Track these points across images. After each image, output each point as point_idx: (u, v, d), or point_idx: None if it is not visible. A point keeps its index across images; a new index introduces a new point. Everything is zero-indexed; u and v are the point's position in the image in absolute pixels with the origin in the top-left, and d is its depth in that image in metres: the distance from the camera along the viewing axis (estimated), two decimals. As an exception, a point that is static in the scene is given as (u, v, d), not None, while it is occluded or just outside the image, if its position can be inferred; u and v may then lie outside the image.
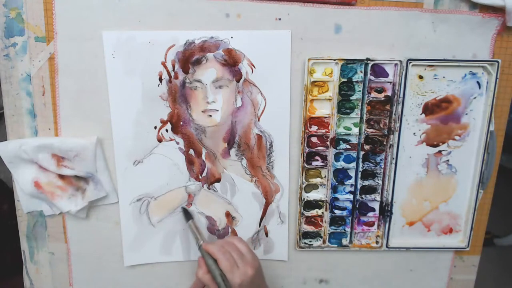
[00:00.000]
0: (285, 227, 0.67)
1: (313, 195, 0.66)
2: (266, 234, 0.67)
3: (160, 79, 0.60)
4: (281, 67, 0.60)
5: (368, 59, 0.60)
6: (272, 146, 0.63)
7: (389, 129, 0.63)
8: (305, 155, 0.63)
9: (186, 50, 0.59)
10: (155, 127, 0.62)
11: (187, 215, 0.64)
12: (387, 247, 0.67)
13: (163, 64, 0.59)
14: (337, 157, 0.64)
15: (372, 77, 0.61)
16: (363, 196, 0.66)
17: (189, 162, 0.63)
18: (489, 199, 0.68)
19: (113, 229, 0.66)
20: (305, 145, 0.63)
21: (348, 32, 0.60)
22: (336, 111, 0.62)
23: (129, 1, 0.57)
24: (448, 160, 0.65)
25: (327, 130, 0.63)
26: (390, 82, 0.61)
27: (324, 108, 0.62)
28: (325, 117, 0.62)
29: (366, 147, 0.63)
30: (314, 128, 0.63)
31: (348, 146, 0.63)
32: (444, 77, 0.62)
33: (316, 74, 0.61)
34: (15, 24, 0.57)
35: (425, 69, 0.61)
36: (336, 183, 0.65)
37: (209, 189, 0.65)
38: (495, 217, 0.77)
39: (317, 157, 0.64)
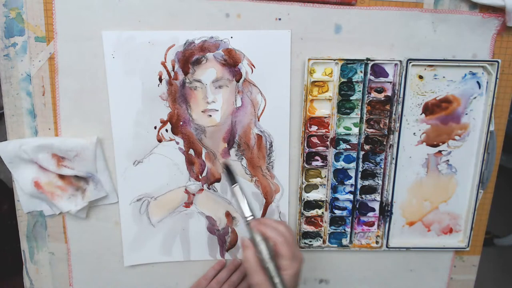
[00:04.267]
0: (285, 227, 0.67)
1: (313, 195, 0.66)
2: (266, 234, 0.67)
3: (160, 79, 0.60)
4: (281, 67, 0.60)
5: (368, 59, 0.60)
6: (272, 146, 0.63)
7: (389, 129, 0.63)
8: (305, 155, 0.63)
9: (186, 50, 0.59)
10: (155, 127, 0.62)
11: (231, 177, 0.59)
12: (387, 247, 0.67)
13: (163, 64, 0.59)
14: (337, 157, 0.64)
15: (372, 77, 0.61)
16: (363, 196, 0.66)
17: (189, 162, 0.63)
18: (489, 199, 0.68)
19: (113, 229, 0.66)
20: (305, 145, 0.63)
21: (348, 32, 0.60)
22: (336, 111, 0.62)
23: (129, 1, 0.57)
24: (448, 160, 0.65)
25: (327, 130, 0.63)
26: (390, 82, 0.61)
27: (324, 108, 0.62)
28: (325, 117, 0.62)
29: (366, 147, 0.63)
30: (314, 128, 0.63)
31: (348, 146, 0.63)
32: (444, 77, 0.62)
33: (316, 74, 0.61)
34: (15, 24, 0.57)
35: (425, 69, 0.61)
36: (336, 183, 0.65)
37: (209, 189, 0.65)
38: (495, 217, 0.77)
39: (317, 157, 0.64)
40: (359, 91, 0.61)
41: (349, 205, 0.66)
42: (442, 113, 0.63)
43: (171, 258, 0.67)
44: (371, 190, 0.66)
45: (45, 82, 0.60)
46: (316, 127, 0.63)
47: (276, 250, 0.51)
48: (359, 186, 0.65)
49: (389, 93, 0.62)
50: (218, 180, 0.64)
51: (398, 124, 0.62)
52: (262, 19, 0.58)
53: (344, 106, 0.62)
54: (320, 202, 0.66)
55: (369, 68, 0.60)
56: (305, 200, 0.65)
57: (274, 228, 0.53)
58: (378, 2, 0.59)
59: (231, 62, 0.60)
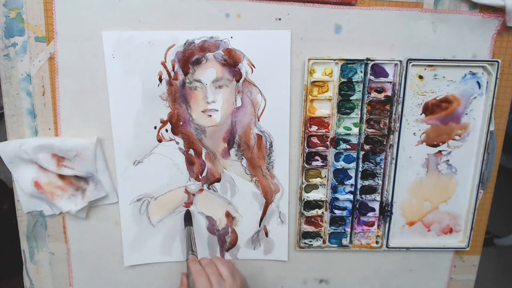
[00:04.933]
0: (285, 227, 0.67)
1: (313, 195, 0.66)
2: (266, 234, 0.67)
3: (160, 79, 0.60)
4: (281, 67, 0.60)
5: (368, 59, 0.60)
6: (272, 146, 0.63)
7: (389, 129, 0.63)
8: (305, 155, 0.63)
9: (186, 50, 0.59)
10: (155, 127, 0.62)
11: (188, 220, 0.64)
12: (387, 247, 0.67)
13: (163, 64, 0.59)
14: (337, 157, 0.64)
15: (372, 77, 0.61)
16: (363, 196, 0.66)
17: (189, 162, 0.63)
18: (489, 199, 0.68)
19: (113, 229, 0.66)
20: (305, 145, 0.63)
21: (348, 32, 0.60)
22: (336, 111, 0.62)
23: (129, 1, 0.57)
24: (448, 160, 0.65)
25: (327, 130, 0.63)
26: (390, 82, 0.61)
27: (324, 108, 0.62)
28: (325, 117, 0.62)
29: (366, 147, 0.63)
30: (314, 128, 0.63)
31: (348, 146, 0.63)
32: (444, 77, 0.62)
33: (316, 74, 0.61)
34: (15, 24, 0.57)
35: (425, 69, 0.61)
36: (336, 183, 0.65)
37: (209, 189, 0.65)
38: (495, 217, 0.77)
39: (317, 157, 0.64)
40: (359, 91, 0.61)
41: (349, 205, 0.66)
42: (442, 113, 0.63)
43: (171, 258, 0.67)
44: (371, 190, 0.66)
45: (45, 82, 0.60)
46: (316, 127, 0.63)
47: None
48: (359, 186, 0.65)
49: (389, 93, 0.62)
50: (218, 180, 0.64)
51: (398, 124, 0.62)
52: (262, 19, 0.58)
53: (344, 106, 0.62)
54: (320, 202, 0.66)
55: (369, 68, 0.60)
56: (305, 200, 0.65)
57: (197, 267, 0.56)
58: (378, 2, 0.59)
59: (231, 62, 0.60)
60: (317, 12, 0.59)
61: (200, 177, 0.64)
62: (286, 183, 0.65)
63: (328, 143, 0.63)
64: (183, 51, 0.59)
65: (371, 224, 0.67)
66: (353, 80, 0.61)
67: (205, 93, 0.60)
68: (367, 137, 0.63)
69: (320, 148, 0.63)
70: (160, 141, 0.62)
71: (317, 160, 0.64)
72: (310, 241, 0.68)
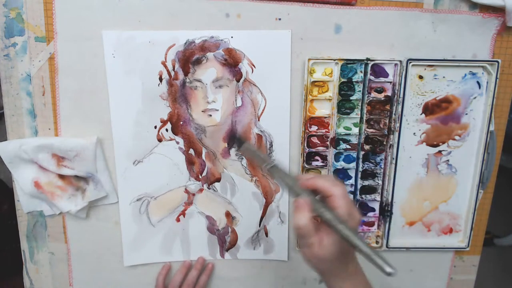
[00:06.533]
0: (285, 227, 0.67)
1: (313, 195, 0.66)
2: (266, 234, 0.67)
3: (160, 79, 0.60)
4: (281, 67, 0.60)
5: (368, 59, 0.60)
6: (272, 146, 0.63)
7: (389, 129, 0.63)
8: (305, 155, 0.63)
9: (186, 49, 0.59)
10: (155, 127, 0.62)
11: (240, 141, 0.59)
12: (387, 247, 0.67)
13: (163, 63, 0.59)
14: (337, 157, 0.64)
15: (372, 77, 0.61)
16: (363, 196, 0.66)
17: (189, 162, 0.63)
18: (489, 199, 0.68)
19: (113, 229, 0.66)
20: (305, 145, 0.63)
21: (348, 32, 0.60)
22: (336, 111, 0.62)
23: (129, 1, 0.57)
24: (448, 160, 0.65)
25: (327, 130, 0.63)
26: (390, 82, 0.61)
27: (324, 108, 0.62)
28: (325, 117, 0.62)
29: (366, 147, 0.63)
30: (314, 128, 0.63)
31: (348, 146, 0.63)
32: (444, 77, 0.62)
33: (316, 74, 0.61)
34: (15, 24, 0.57)
35: (425, 69, 0.61)
36: (336, 183, 0.65)
37: (209, 189, 0.65)
38: (495, 217, 0.77)
39: (317, 157, 0.64)
40: (359, 91, 0.61)
41: (349, 205, 0.66)
42: (442, 113, 0.63)
43: (171, 258, 0.67)
44: (371, 190, 0.66)
45: (45, 82, 0.60)
46: (316, 127, 0.63)
47: (331, 205, 0.41)
48: (359, 186, 0.65)
49: (389, 93, 0.62)
50: (218, 180, 0.64)
51: (398, 124, 0.62)
52: (262, 19, 0.58)
53: (344, 106, 0.62)
54: (320, 202, 0.66)
55: (369, 68, 0.60)
56: (305, 200, 0.65)
57: (327, 180, 0.43)
58: (378, 2, 0.59)
59: (232, 61, 0.60)
60: (317, 12, 0.59)
61: (200, 176, 0.64)
62: (286, 183, 0.65)
63: (328, 143, 0.63)
64: (183, 50, 0.59)
65: (371, 224, 0.67)
66: (353, 80, 0.61)
67: (205, 92, 0.60)
68: (367, 137, 0.63)
69: (320, 148, 0.63)
70: (160, 140, 0.62)
71: (317, 160, 0.64)
72: (310, 241, 0.68)
